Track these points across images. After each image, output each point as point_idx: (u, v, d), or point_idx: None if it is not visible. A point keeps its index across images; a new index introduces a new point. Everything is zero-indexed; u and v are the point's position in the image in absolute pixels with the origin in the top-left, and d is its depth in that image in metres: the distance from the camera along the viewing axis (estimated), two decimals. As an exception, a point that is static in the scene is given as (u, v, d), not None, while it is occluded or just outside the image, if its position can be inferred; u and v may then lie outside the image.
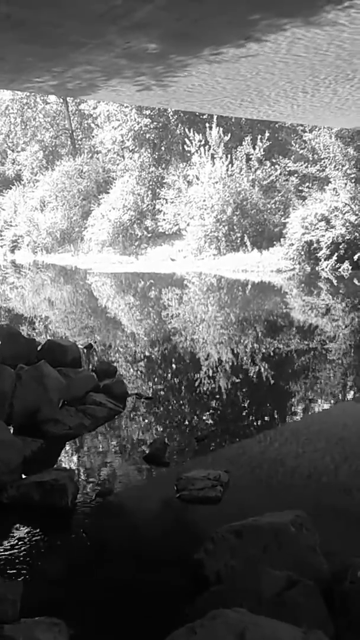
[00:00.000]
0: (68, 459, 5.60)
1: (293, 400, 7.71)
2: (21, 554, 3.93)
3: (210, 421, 6.68)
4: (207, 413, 7.06)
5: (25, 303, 18.02)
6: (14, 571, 3.72)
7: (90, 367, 8.78)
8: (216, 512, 4.38)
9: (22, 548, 3.99)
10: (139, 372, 9.10)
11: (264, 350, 10.31)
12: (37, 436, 5.83)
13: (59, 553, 3.95)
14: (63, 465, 5.44)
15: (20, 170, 39.00)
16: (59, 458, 5.60)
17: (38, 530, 4.23)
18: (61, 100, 37.09)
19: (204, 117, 26.65)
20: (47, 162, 36.66)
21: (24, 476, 5.01)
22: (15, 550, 3.96)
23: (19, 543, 4.05)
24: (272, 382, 8.50)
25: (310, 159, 25.44)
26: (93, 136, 34.76)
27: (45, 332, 12.69)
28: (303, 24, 7.47)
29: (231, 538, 3.36)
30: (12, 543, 4.05)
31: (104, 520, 4.33)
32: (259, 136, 25.29)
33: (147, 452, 5.50)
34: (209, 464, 5.19)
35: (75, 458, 5.63)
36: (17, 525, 4.29)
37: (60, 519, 4.37)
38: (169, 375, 8.94)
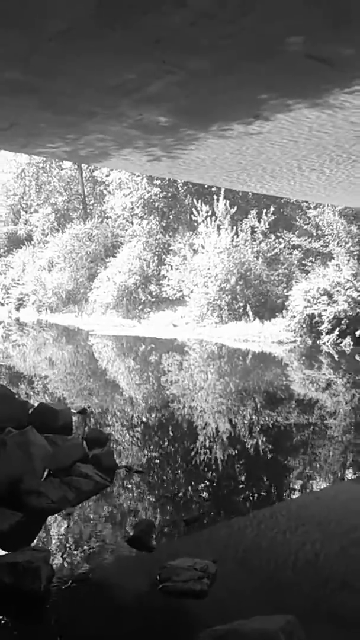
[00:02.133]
0: (46, 537, 5.23)
1: (290, 479, 7.36)
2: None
3: (202, 500, 6.32)
4: (200, 491, 6.70)
5: (25, 361, 17.87)
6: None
7: (82, 433, 8.48)
8: (200, 609, 4.01)
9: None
10: (132, 441, 8.78)
11: (262, 423, 10.02)
12: (17, 508, 5.49)
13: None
14: (41, 543, 5.07)
15: (31, 230, 39.73)
16: (38, 535, 5.24)
17: (4, 617, 3.86)
18: (75, 167, 38.22)
19: (212, 189, 27.29)
20: (59, 224, 37.38)
21: (2, 552, 4.68)
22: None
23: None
24: (269, 457, 8.16)
25: (314, 234, 25.83)
26: (104, 202, 35.56)
27: (43, 392, 12.47)
28: (310, 105, 7.62)
29: (214, 645, 3.02)
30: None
31: (78, 611, 3.97)
32: (265, 210, 25.79)
33: (131, 534, 5.15)
34: (197, 550, 4.81)
35: (54, 536, 5.27)
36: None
37: (31, 605, 4.00)
38: (163, 446, 8.61)
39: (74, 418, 9.51)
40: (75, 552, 4.93)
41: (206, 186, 27.65)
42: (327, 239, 24.72)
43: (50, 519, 5.58)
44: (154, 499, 6.26)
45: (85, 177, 38.33)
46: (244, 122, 8.47)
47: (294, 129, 8.76)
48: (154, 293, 28.81)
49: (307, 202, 25.44)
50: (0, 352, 19.64)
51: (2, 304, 37.15)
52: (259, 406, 11.43)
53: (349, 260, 22.53)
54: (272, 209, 25.70)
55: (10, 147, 12.26)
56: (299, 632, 3.13)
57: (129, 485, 6.62)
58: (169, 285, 27.91)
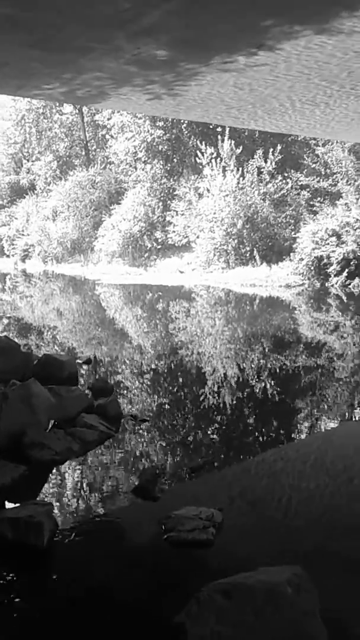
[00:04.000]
0: (50, 490, 5.19)
1: (299, 423, 7.29)
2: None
3: (208, 447, 6.25)
4: (206, 437, 6.64)
5: (33, 313, 17.82)
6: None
7: (88, 383, 8.41)
8: (205, 559, 3.95)
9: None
10: (138, 390, 8.72)
11: (270, 367, 9.93)
12: (21, 461, 5.43)
13: (25, 602, 3.53)
14: (44, 496, 5.03)
15: (34, 179, 39.02)
16: (41, 488, 5.19)
17: (6, 573, 3.82)
18: (76, 111, 37.12)
19: (217, 129, 26.44)
20: (61, 172, 36.62)
21: (7, 505, 4.65)
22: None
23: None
24: (277, 401, 8.09)
25: (323, 173, 25.11)
26: (107, 147, 34.69)
27: (51, 342, 12.41)
28: (317, 31, 7.15)
29: (218, 599, 2.94)
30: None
31: (80, 565, 3.92)
32: (271, 149, 25.03)
33: (136, 483, 5.10)
34: (202, 499, 4.75)
35: (57, 489, 5.22)
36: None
37: (35, 560, 3.96)
38: (170, 393, 8.54)
39: (82, 368, 9.46)
40: (79, 505, 4.89)
41: (211, 126, 26.80)
42: (336, 177, 24.07)
43: (54, 471, 5.53)
44: (159, 448, 6.20)
45: (87, 122, 37.28)
46: (247, 53, 7.99)
47: (300, 59, 8.27)
48: (159, 240, 28.42)
49: (315, 139, 24.62)
50: (7, 303, 19.57)
51: (8, 256, 36.91)
52: (266, 350, 11.33)
53: (358, 199, 21.97)
54: (279, 147, 24.93)
55: (4, 90, 11.77)
56: (306, 583, 3.04)
57: (134, 434, 6.56)
58: (174, 231, 27.50)
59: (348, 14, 6.51)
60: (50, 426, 6.29)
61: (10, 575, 3.79)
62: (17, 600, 3.55)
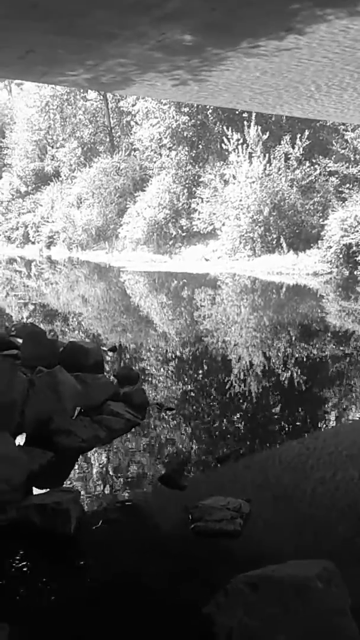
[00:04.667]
0: (77, 476, 5.22)
1: (329, 414, 7.21)
2: (11, 587, 3.56)
3: (235, 437, 6.22)
4: (233, 426, 6.61)
5: (59, 299, 17.93)
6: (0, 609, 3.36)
7: (113, 371, 8.44)
8: (233, 551, 3.93)
9: (14, 580, 3.63)
10: (164, 378, 8.71)
11: (297, 356, 9.84)
12: (48, 448, 5.47)
13: (52, 589, 3.56)
14: (71, 482, 5.06)
15: (58, 166, 39.06)
16: (68, 474, 5.22)
17: (34, 559, 3.85)
18: (101, 97, 36.99)
19: (243, 114, 26.10)
20: (85, 158, 36.60)
21: (34, 492, 4.69)
22: (5, 582, 3.60)
23: (11, 574, 3.69)
24: (306, 391, 8.02)
25: (352, 159, 24.65)
26: (131, 133, 34.54)
27: (78, 329, 12.48)
28: (347, 14, 6.96)
29: (247, 591, 2.91)
30: (3, 574, 3.68)
31: (107, 553, 3.93)
32: (299, 135, 24.62)
33: (162, 472, 5.09)
34: (230, 489, 4.73)
35: (84, 476, 5.25)
36: (12, 552, 3.91)
37: (61, 547, 3.99)
38: (195, 381, 8.52)
39: (107, 355, 9.49)
40: (105, 492, 4.90)
41: (237, 112, 26.45)
42: (366, 163, 23.60)
43: (81, 458, 5.56)
44: (185, 437, 6.19)
45: (111, 108, 37.11)
46: (276, 37, 7.83)
47: (330, 43, 8.08)
48: (184, 227, 28.27)
49: (344, 124, 24.14)
50: (33, 290, 19.72)
51: (33, 242, 37.14)
52: (293, 339, 11.23)
53: (388, 186, 21.52)
54: (306, 133, 24.50)
55: (30, 77, 11.80)
56: (336, 579, 2.99)
57: (160, 423, 6.56)
58: (199, 218, 27.32)
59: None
60: (76, 413, 6.33)
61: (38, 561, 3.83)
62: (44, 586, 3.59)
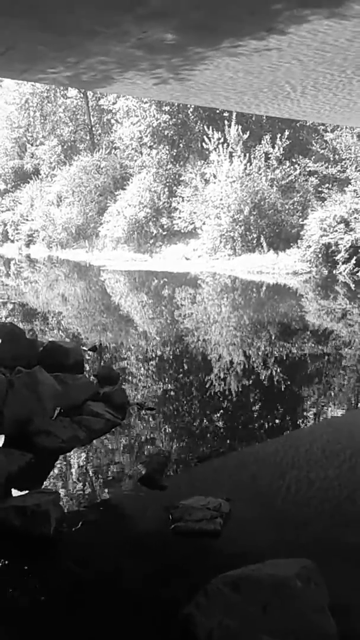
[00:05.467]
0: (56, 478, 5.18)
1: (306, 411, 7.26)
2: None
3: (215, 436, 6.24)
4: (213, 425, 6.63)
5: (38, 298, 17.78)
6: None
7: (93, 371, 8.39)
8: (213, 550, 3.93)
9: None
10: (144, 377, 8.70)
11: (276, 354, 9.91)
12: (27, 449, 5.42)
13: (32, 590, 3.53)
14: (50, 483, 5.02)
15: (38, 164, 38.79)
16: (47, 476, 5.18)
17: (13, 561, 3.82)
18: (81, 95, 36.80)
19: (224, 114, 26.17)
20: (65, 156, 36.39)
21: (13, 493, 4.65)
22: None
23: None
24: (285, 390, 8.07)
25: (331, 159, 24.88)
26: (112, 132, 34.42)
27: (57, 328, 12.39)
28: (328, 15, 7.01)
29: (227, 591, 2.91)
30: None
31: (87, 553, 3.90)
32: (279, 135, 24.78)
33: (142, 472, 5.08)
34: (210, 488, 4.73)
35: (63, 477, 5.21)
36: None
37: (40, 549, 3.95)
38: (176, 381, 8.52)
39: (87, 355, 9.44)
40: (85, 493, 4.88)
41: (217, 111, 26.53)
42: (345, 163, 23.85)
43: (60, 459, 5.52)
44: (165, 437, 6.18)
45: (92, 106, 36.95)
46: (257, 37, 7.85)
47: (310, 44, 8.13)
48: (165, 226, 28.27)
49: (323, 124, 24.35)
50: (12, 289, 19.54)
51: (12, 241, 36.82)
52: (273, 338, 11.29)
53: (367, 186, 21.76)
54: (286, 133, 24.68)
55: (9, 74, 11.66)
56: (316, 577, 3.01)
57: (140, 423, 6.54)
58: (180, 217, 27.34)
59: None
60: (55, 414, 6.28)
61: (18, 562, 3.79)
62: (24, 588, 3.55)
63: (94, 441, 5.87)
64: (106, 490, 4.91)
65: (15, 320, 12.68)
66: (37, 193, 36.11)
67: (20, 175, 40.00)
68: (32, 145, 39.98)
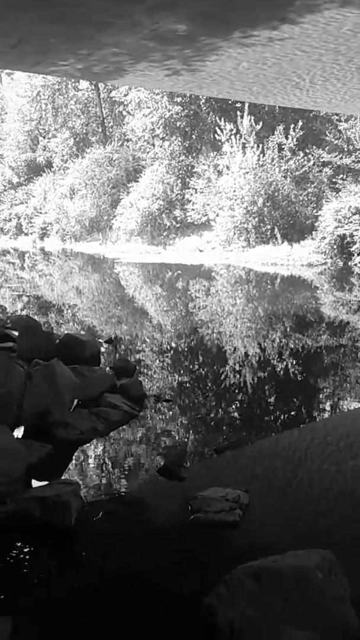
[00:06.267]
0: (76, 469, 5.23)
1: (326, 404, 7.25)
2: (14, 579, 3.58)
3: (233, 428, 6.25)
4: (231, 418, 6.64)
5: (53, 291, 17.87)
6: (3, 602, 3.37)
7: (110, 363, 8.44)
8: (232, 541, 3.96)
9: (16, 572, 3.65)
10: (160, 369, 8.72)
11: (292, 346, 9.88)
12: (47, 440, 5.48)
13: (54, 581, 3.58)
14: (70, 475, 5.07)
15: (50, 157, 38.81)
16: (67, 467, 5.24)
17: (35, 551, 3.87)
18: (92, 87, 36.72)
19: (236, 105, 26.00)
20: (78, 149, 36.37)
21: (33, 484, 4.70)
22: (7, 575, 3.61)
23: (12, 566, 3.70)
24: (303, 382, 8.06)
25: (345, 149, 24.62)
26: (124, 124, 34.34)
27: (72, 320, 12.45)
28: (341, 4, 6.94)
29: (248, 582, 2.94)
30: (4, 566, 3.70)
31: (108, 544, 3.95)
32: (292, 125, 24.56)
33: (161, 463, 5.11)
34: (228, 480, 4.75)
35: (83, 468, 5.26)
36: (13, 544, 3.92)
37: (61, 539, 4.01)
38: (192, 373, 8.54)
39: (102, 347, 9.49)
40: (105, 484, 4.92)
41: (230, 102, 26.34)
42: (359, 154, 23.58)
43: (79, 450, 5.57)
44: (183, 428, 6.21)
45: (103, 98, 36.85)
46: (269, 27, 7.79)
47: (323, 33, 8.05)
48: (178, 218, 28.21)
49: (337, 114, 24.08)
50: (27, 282, 19.65)
51: (26, 234, 36.95)
52: (288, 330, 11.26)
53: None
54: (300, 123, 24.45)
55: (21, 67, 11.68)
56: (336, 568, 3.03)
57: (158, 415, 6.57)
58: (193, 209, 27.25)
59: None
60: (73, 406, 6.33)
61: (39, 553, 3.85)
62: (46, 578, 3.60)
63: (112, 432, 5.92)
64: (125, 481, 4.95)
65: (31, 313, 12.77)
66: (50, 186, 36.15)
67: (33, 168, 40.06)
68: (44, 138, 40.00)
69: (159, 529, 4.13)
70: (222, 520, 4.09)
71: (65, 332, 9.53)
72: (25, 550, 3.88)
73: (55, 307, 14.49)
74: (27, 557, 3.82)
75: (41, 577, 3.61)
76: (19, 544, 3.91)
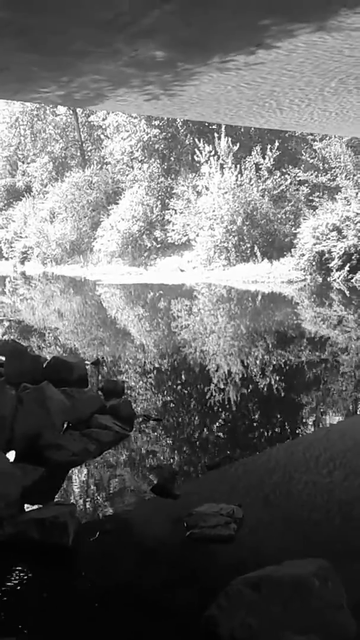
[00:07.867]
0: (70, 490, 5.26)
1: (311, 418, 7.37)
2: (15, 600, 3.59)
3: (222, 445, 6.33)
4: (219, 434, 6.72)
5: (35, 315, 17.83)
6: (6, 623, 3.38)
7: (97, 385, 8.48)
8: (230, 554, 4.02)
9: (18, 593, 3.66)
10: (147, 389, 8.78)
11: (274, 363, 10.01)
12: (39, 463, 5.49)
13: (54, 600, 3.60)
14: (65, 496, 5.10)
15: (30, 181, 39.03)
16: (61, 488, 5.26)
17: (35, 572, 3.89)
18: (70, 112, 37.13)
19: (213, 126, 26.48)
20: (57, 173, 36.65)
21: (27, 508, 4.71)
22: (9, 596, 3.63)
23: (14, 587, 3.72)
24: (287, 398, 8.18)
25: (321, 168, 25.20)
26: (102, 147, 34.72)
27: (55, 344, 12.45)
28: (316, 29, 7.19)
29: (247, 592, 3.00)
30: (6, 587, 3.71)
31: (107, 563, 3.98)
32: (269, 146, 25.09)
33: (155, 482, 5.16)
34: (221, 495, 4.82)
35: (77, 489, 5.29)
36: (14, 566, 3.94)
37: (60, 559, 4.03)
38: (179, 391, 8.62)
39: (88, 369, 9.51)
40: (100, 504, 4.96)
41: (207, 124, 26.83)
42: (335, 172, 24.17)
43: (72, 471, 5.60)
44: (174, 446, 6.27)
45: (81, 122, 37.29)
46: (246, 52, 8.03)
47: (298, 57, 8.31)
48: (159, 239, 28.47)
49: (312, 134, 24.68)
50: (8, 306, 19.60)
51: (7, 258, 36.91)
52: (270, 346, 11.41)
53: (357, 193, 22.06)
54: (276, 144, 25.00)
55: (2, 94, 11.80)
56: (332, 576, 3.11)
57: (149, 434, 6.62)
58: (174, 230, 27.54)
59: (347, 10, 6.55)
60: (64, 428, 6.36)
61: (39, 573, 3.86)
62: (47, 596, 3.62)
63: (104, 453, 5.95)
64: (120, 501, 4.98)
65: (13, 337, 12.73)
66: (30, 210, 36.30)
67: (13, 193, 40.20)
68: (23, 163, 40.25)
69: (157, 546, 4.17)
70: (218, 534, 4.15)
71: (49, 355, 9.55)
72: (26, 570, 3.90)
73: (37, 331, 14.46)
74: (28, 577, 3.83)
75: (42, 597, 3.62)
76: (19, 566, 3.93)
